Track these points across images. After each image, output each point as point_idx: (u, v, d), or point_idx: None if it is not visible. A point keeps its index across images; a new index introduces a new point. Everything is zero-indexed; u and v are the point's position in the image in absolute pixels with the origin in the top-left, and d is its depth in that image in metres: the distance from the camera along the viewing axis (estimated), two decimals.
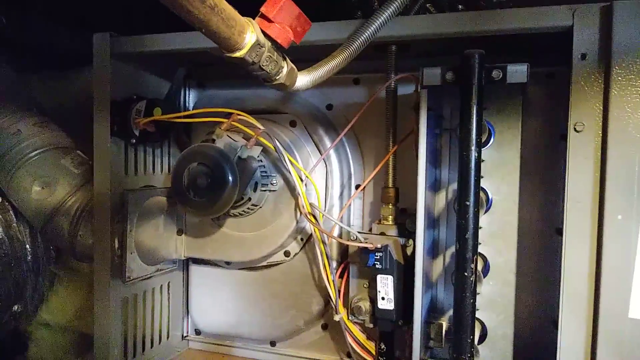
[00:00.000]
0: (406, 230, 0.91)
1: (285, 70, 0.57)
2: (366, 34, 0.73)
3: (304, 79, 0.62)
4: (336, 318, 0.94)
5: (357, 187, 1.01)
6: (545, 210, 0.90)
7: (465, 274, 0.73)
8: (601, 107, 0.69)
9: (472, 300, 0.73)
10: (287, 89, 0.60)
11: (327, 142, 1.00)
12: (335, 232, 1.00)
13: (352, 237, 0.87)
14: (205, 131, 1.03)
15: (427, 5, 0.98)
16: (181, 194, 0.89)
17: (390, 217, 0.92)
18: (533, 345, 0.90)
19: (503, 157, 0.86)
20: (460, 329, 0.74)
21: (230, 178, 0.85)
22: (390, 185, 0.92)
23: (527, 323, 0.90)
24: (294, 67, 0.60)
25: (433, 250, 0.92)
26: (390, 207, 0.92)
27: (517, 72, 0.73)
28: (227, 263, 1.08)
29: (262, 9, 0.52)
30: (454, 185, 0.92)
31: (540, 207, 0.90)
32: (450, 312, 0.92)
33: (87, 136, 0.98)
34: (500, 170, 0.86)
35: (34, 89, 1.15)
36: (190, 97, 1.12)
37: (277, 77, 0.56)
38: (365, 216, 1.01)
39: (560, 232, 0.89)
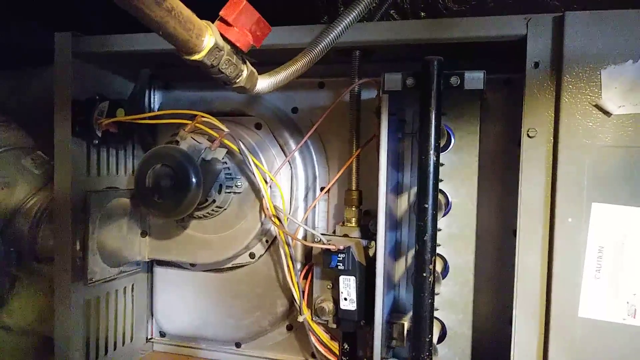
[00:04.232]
0: (369, 232, 0.93)
1: (245, 73, 0.57)
2: (328, 39, 0.74)
3: (264, 83, 0.63)
4: (300, 319, 0.95)
5: (321, 189, 1.02)
6: (502, 213, 0.93)
7: (424, 274, 0.75)
8: (553, 114, 0.72)
9: (430, 301, 0.75)
10: (248, 92, 0.61)
11: (292, 145, 1.01)
12: (300, 234, 1.00)
13: (315, 239, 0.88)
14: (171, 133, 1.03)
15: (391, 12, 1.00)
16: (144, 196, 0.89)
17: (354, 219, 0.93)
18: (491, 344, 0.92)
19: (462, 161, 0.88)
20: (419, 329, 0.75)
21: (193, 180, 0.85)
22: (354, 187, 0.94)
23: (485, 322, 0.93)
24: (254, 70, 0.60)
25: (395, 252, 0.93)
26: (354, 209, 0.93)
27: (474, 79, 0.76)
28: (192, 265, 1.07)
29: (222, 13, 0.53)
30: (416, 189, 0.94)
31: (498, 209, 0.93)
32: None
33: (49, 136, 0.97)
34: (459, 173, 0.88)
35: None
36: (156, 98, 1.12)
37: (237, 80, 0.57)
38: (330, 218, 1.03)
39: (515, 233, 0.92)
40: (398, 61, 0.91)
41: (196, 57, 0.51)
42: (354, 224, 0.93)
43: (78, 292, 0.95)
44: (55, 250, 0.93)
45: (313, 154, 1.03)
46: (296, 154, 1.00)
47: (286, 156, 0.99)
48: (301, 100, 1.04)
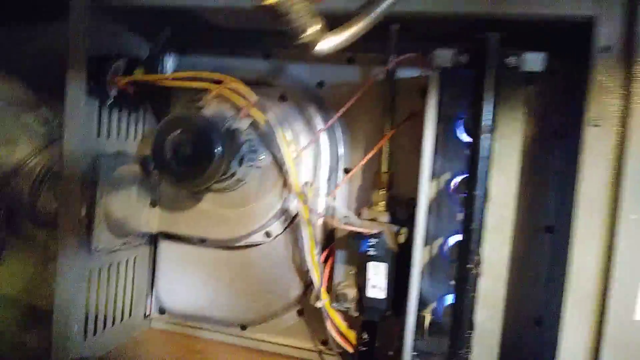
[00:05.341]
0: (397, 218, 0.87)
1: (316, 26, 0.51)
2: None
3: (331, 41, 0.56)
4: (318, 304, 0.89)
5: (345, 170, 0.97)
6: (535, 207, 0.88)
7: (468, 266, 0.70)
8: (621, 103, 0.67)
9: (472, 295, 0.70)
10: (313, 49, 0.54)
11: (318, 121, 0.94)
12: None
13: (346, 221, 0.82)
14: (186, 99, 0.96)
15: None
16: (163, 163, 0.81)
17: (382, 202, 0.87)
18: (516, 342, 0.88)
19: (503, 149, 0.83)
20: (459, 324, 0.71)
21: (218, 149, 0.79)
22: (385, 170, 0.88)
23: (512, 319, 0.89)
24: (326, 25, 0.53)
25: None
26: (383, 192, 0.88)
27: (534, 60, 0.70)
28: (202, 240, 1.00)
29: None
30: (447, 175, 0.89)
31: (531, 203, 0.88)
32: (434, 305, 0.91)
33: (54, 92, 0.89)
34: (499, 162, 0.83)
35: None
36: (169, 62, 1.04)
37: (308, 34, 0.50)
38: (353, 201, 0.97)
39: (549, 230, 0.88)
40: (429, 40, 0.85)
41: (270, 0, 0.44)
42: (382, 208, 0.87)
43: (81, 261, 0.88)
44: (61, 216, 0.85)
45: (337, 132, 0.97)
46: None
47: (311, 132, 0.93)
48: (328, 74, 0.97)
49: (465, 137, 0.89)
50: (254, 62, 0.99)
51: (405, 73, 0.90)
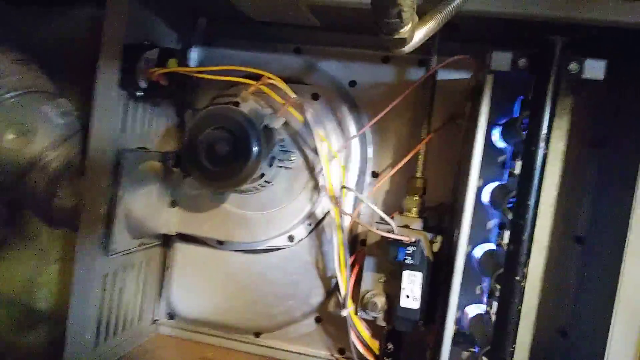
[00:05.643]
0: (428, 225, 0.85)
1: (413, 22, 0.47)
2: None
3: (418, 35, 0.52)
4: (343, 313, 0.86)
5: (372, 173, 0.94)
6: (567, 217, 0.87)
7: (517, 277, 0.68)
8: None
9: (519, 307, 0.68)
10: (403, 46, 0.51)
11: (350, 121, 0.92)
12: (347, 220, 0.91)
13: (381, 228, 0.80)
14: (211, 95, 0.93)
15: None
16: (195, 161, 0.77)
17: (415, 209, 0.85)
18: (542, 353, 0.87)
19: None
20: (503, 338, 0.69)
21: (256, 148, 0.75)
22: (419, 175, 0.86)
23: (540, 330, 0.87)
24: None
25: None
26: (416, 198, 0.85)
27: (595, 67, 0.69)
28: (220, 243, 0.96)
29: None
30: (479, 182, 0.87)
31: (564, 213, 0.87)
32: (459, 314, 0.89)
33: (75, 82, 0.84)
34: None
35: (18, 22, 0.96)
36: (194, 55, 0.99)
37: (404, 30, 0.47)
38: (378, 206, 0.94)
39: (579, 240, 0.87)
40: (472, 42, 0.83)
41: None
42: (414, 215, 0.85)
43: (100, 263, 0.83)
44: (83, 215, 0.80)
45: (368, 135, 0.94)
46: (353, 133, 0.91)
47: (343, 132, 0.90)
48: (361, 73, 0.93)
49: (500, 144, 0.87)
50: (284, 57, 0.95)
51: (441, 75, 0.88)
